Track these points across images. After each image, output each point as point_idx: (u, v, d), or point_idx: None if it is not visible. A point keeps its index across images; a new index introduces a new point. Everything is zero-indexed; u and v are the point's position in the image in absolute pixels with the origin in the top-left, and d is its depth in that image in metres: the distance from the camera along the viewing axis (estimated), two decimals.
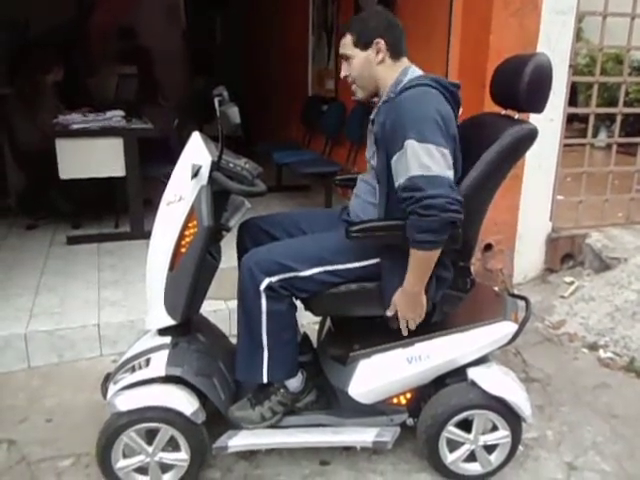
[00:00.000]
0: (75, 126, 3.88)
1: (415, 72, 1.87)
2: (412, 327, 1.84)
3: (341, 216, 2.11)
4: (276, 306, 1.83)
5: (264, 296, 1.82)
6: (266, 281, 1.81)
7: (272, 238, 2.08)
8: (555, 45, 3.24)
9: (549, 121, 3.35)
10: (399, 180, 1.69)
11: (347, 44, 1.88)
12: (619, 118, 3.81)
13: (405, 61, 1.91)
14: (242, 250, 2.08)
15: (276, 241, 2.05)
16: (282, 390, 1.96)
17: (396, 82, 1.85)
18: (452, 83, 1.82)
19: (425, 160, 1.62)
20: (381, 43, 1.84)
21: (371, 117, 1.93)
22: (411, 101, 1.72)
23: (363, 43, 1.85)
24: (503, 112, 1.95)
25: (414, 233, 1.66)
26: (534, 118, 2.05)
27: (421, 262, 1.72)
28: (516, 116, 1.88)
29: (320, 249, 1.89)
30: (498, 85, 1.96)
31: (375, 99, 1.95)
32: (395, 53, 1.88)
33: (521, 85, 1.78)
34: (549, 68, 1.81)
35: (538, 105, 1.85)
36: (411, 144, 1.64)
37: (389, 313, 1.84)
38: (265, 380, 1.89)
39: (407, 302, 1.80)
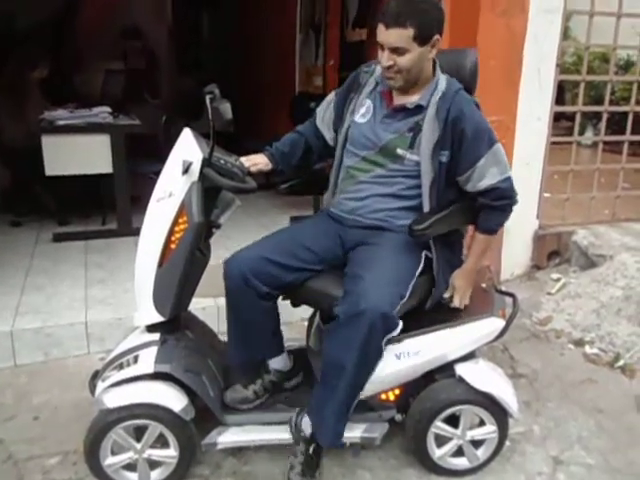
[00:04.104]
0: (61, 122, 3.84)
1: (437, 68, 1.90)
2: (467, 302, 1.99)
3: (328, 213, 2.06)
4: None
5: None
6: (398, 327, 1.78)
7: (281, 266, 1.88)
8: (542, 44, 3.27)
9: (536, 119, 3.37)
10: (488, 180, 1.82)
11: (404, 37, 1.73)
12: (605, 116, 3.85)
13: None
14: (259, 293, 1.88)
15: (285, 268, 1.88)
16: (272, 370, 2.04)
17: (436, 78, 1.87)
18: None
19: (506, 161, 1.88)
20: (438, 40, 1.78)
21: (409, 105, 1.87)
22: (477, 107, 1.86)
23: (422, 39, 1.75)
24: None
25: (493, 225, 1.92)
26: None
27: (487, 244, 1.98)
28: None
29: (398, 271, 1.84)
30: None
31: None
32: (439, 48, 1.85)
33: (466, 75, 1.97)
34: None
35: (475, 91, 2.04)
36: (499, 148, 1.84)
37: (448, 295, 1.97)
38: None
39: (468, 280, 1.98)
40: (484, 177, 1.83)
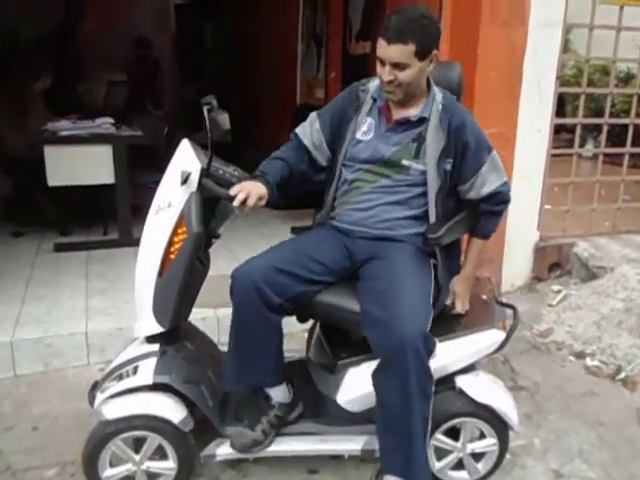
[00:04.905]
0: (64, 133, 3.86)
1: (432, 80, 1.95)
2: (467, 307, 2.02)
3: (333, 226, 2.02)
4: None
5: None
6: (437, 344, 1.75)
7: (292, 276, 1.82)
8: (542, 57, 3.28)
9: (536, 132, 3.38)
10: (490, 186, 1.91)
11: (406, 53, 1.75)
12: (605, 129, 3.86)
13: None
14: (270, 304, 1.79)
15: (296, 279, 1.83)
16: (275, 404, 1.95)
17: (432, 91, 1.91)
18: None
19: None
20: (436, 55, 1.82)
21: (413, 118, 1.89)
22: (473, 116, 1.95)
23: (422, 54, 1.77)
24: None
25: (490, 230, 2.00)
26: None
27: (484, 249, 2.04)
28: None
29: (419, 283, 1.83)
30: None
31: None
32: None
33: (454, 87, 2.05)
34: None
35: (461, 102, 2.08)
36: (496, 154, 1.93)
37: (449, 301, 2.00)
38: None
39: (467, 286, 2.03)
40: (485, 183, 1.91)
